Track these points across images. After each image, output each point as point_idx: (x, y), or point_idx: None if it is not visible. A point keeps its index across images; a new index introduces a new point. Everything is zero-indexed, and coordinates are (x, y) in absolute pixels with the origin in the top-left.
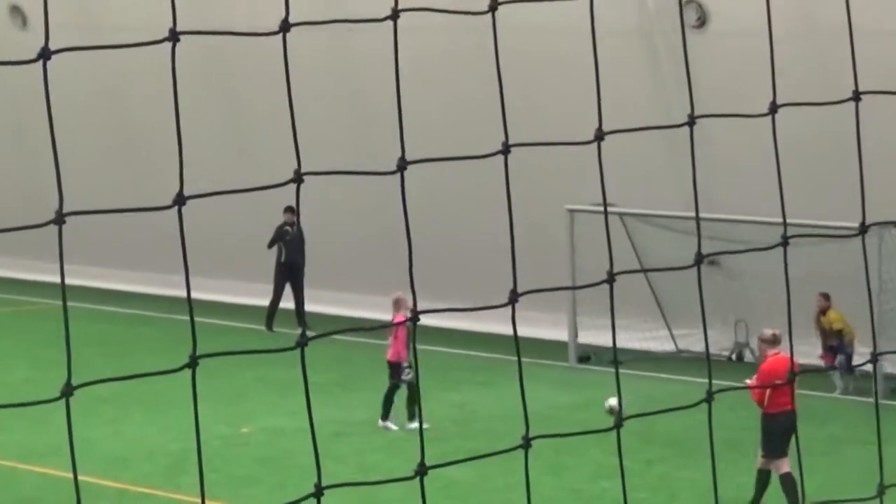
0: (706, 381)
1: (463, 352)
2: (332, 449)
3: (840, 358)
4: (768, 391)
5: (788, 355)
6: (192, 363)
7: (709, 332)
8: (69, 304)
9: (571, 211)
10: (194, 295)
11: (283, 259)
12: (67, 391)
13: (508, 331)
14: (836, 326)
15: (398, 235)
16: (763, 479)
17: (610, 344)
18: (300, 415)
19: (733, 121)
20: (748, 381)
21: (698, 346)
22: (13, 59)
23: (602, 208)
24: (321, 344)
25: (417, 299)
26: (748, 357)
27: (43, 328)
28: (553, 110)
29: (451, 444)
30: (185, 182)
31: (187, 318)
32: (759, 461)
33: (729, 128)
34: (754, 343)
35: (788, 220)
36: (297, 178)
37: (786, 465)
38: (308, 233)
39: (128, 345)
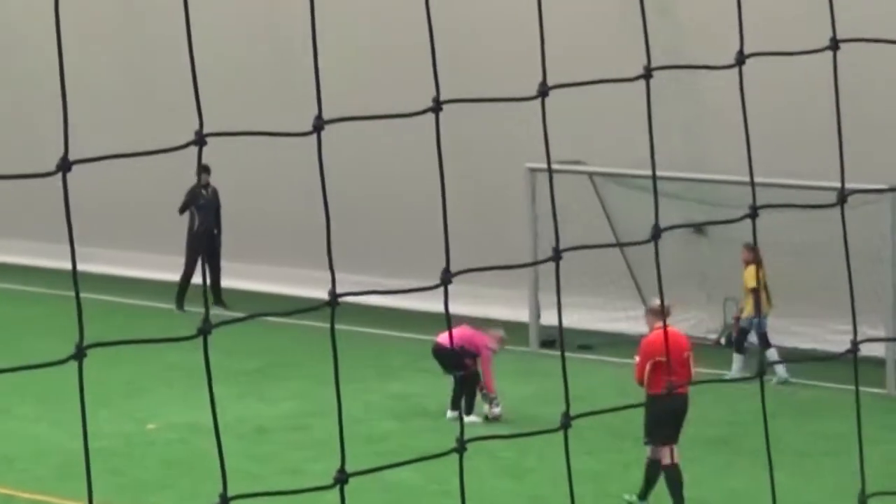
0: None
1: (402, 334)
2: (255, 448)
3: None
4: (648, 369)
5: (676, 329)
6: (79, 354)
7: (694, 312)
8: None
9: (533, 170)
10: (92, 268)
11: (195, 226)
12: None
13: (457, 311)
14: (749, 285)
15: (330, 201)
16: (652, 470)
17: (579, 325)
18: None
19: (727, 70)
20: (637, 358)
21: (682, 328)
22: None
23: (571, 167)
24: (242, 326)
25: (349, 274)
26: None
27: None
28: (512, 55)
29: (392, 442)
30: (87, 139)
31: (84, 294)
32: (649, 453)
33: (722, 78)
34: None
35: (791, 182)
36: (199, 141)
37: (669, 455)
38: (223, 196)
39: (15, 327)
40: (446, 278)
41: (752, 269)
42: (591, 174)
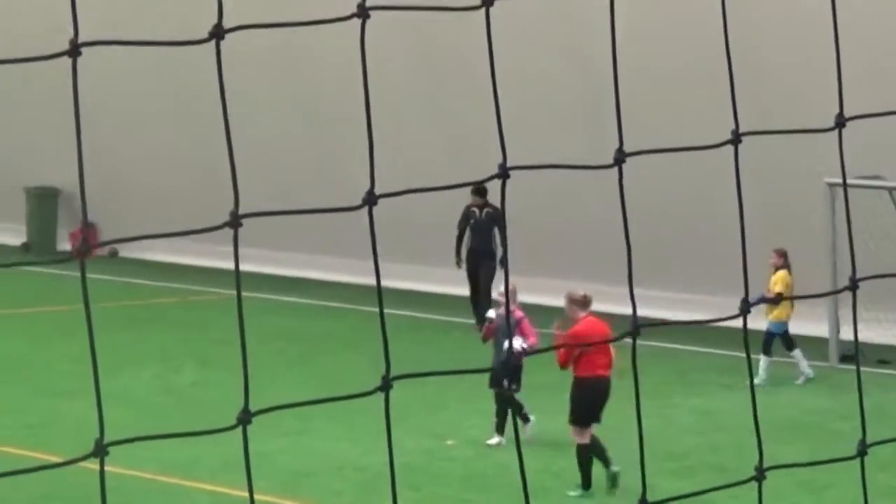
0: None
1: (704, 349)
2: (551, 463)
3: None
4: (575, 354)
5: (599, 319)
6: (385, 385)
7: None
8: (245, 294)
9: (831, 185)
10: (391, 283)
11: (469, 246)
12: (245, 419)
13: (753, 324)
14: (776, 288)
15: (610, 220)
16: (596, 447)
17: (878, 340)
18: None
19: None
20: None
21: None
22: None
23: (868, 182)
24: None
25: (645, 290)
26: None
27: (213, 322)
28: (810, 74)
29: (693, 458)
30: (389, 162)
31: (383, 310)
32: (573, 434)
33: None
34: None
35: None
36: (503, 174)
37: (588, 436)
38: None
39: (314, 342)
40: (745, 308)
41: (781, 273)
42: (890, 189)
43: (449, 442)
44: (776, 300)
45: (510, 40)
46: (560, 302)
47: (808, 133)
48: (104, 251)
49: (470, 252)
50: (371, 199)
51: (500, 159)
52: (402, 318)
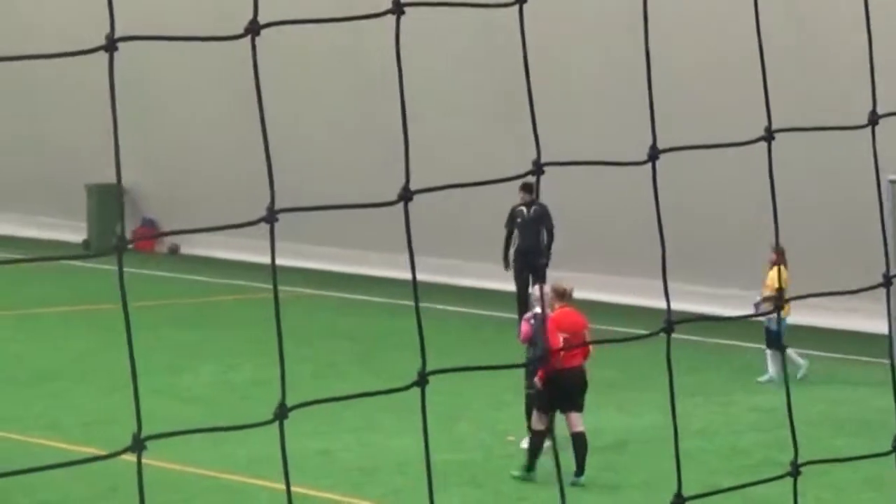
0: None
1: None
2: (616, 460)
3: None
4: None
5: (574, 310)
6: (422, 380)
7: None
8: (309, 291)
9: (893, 182)
10: (455, 281)
11: (517, 245)
12: (282, 413)
13: (819, 322)
14: (776, 285)
15: (653, 215)
16: (538, 441)
17: None
18: None
19: None
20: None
21: None
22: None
23: None
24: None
25: (684, 284)
26: None
27: (274, 319)
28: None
29: (757, 455)
30: (449, 154)
31: (446, 307)
32: (534, 420)
33: None
34: None
35: None
36: (537, 170)
37: (579, 424)
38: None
39: (378, 339)
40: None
41: (780, 271)
42: None
43: (510, 438)
44: (782, 299)
45: (549, 37)
46: (600, 296)
47: (844, 130)
48: (164, 247)
49: (518, 252)
50: (406, 196)
51: (558, 156)
52: (467, 316)
